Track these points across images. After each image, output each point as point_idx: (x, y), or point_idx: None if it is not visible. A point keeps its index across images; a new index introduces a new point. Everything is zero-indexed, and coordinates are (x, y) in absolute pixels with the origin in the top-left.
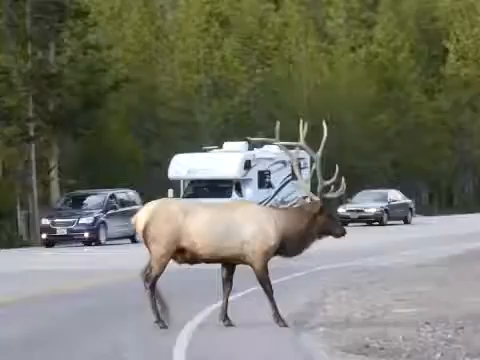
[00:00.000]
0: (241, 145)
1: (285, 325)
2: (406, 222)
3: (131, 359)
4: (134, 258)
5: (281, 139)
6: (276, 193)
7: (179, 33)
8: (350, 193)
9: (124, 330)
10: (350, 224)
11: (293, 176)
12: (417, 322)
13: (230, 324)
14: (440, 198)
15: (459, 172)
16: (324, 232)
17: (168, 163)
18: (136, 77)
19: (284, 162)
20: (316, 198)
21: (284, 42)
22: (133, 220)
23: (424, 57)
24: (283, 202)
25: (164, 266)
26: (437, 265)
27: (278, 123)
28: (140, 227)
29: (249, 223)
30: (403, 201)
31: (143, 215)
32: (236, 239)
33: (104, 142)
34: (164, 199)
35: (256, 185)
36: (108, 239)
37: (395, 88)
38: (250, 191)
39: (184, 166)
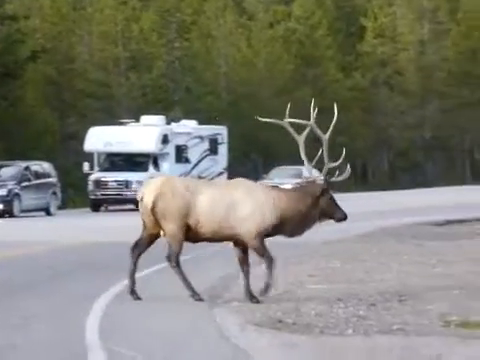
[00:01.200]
0: (158, 119)
1: (257, 301)
2: None
3: (42, 330)
4: (47, 230)
5: (196, 113)
6: (193, 168)
7: (97, 4)
8: (266, 169)
9: (36, 301)
10: None
11: (211, 152)
12: (330, 298)
13: (258, 301)
14: (355, 175)
15: (374, 150)
16: (326, 215)
17: (85, 136)
18: (53, 48)
19: (201, 137)
20: (320, 180)
21: (202, 17)
22: (139, 197)
23: (341, 34)
24: (200, 177)
25: (181, 241)
26: (351, 241)
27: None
28: (148, 205)
29: (248, 201)
30: (318, 177)
31: (150, 192)
32: (235, 217)
33: (20, 113)
34: (167, 176)
35: (173, 159)
36: (22, 211)
37: (313, 65)
38: (167, 165)
39: (101, 139)
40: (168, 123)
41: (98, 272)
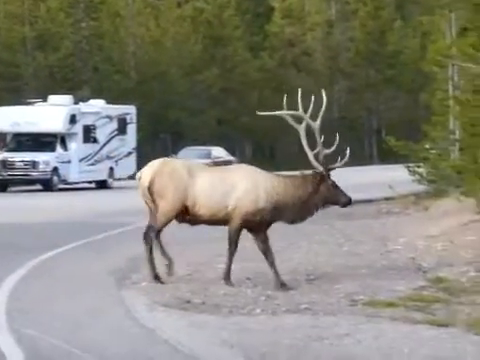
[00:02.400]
0: (66, 99)
1: (232, 285)
2: None
3: None
4: None
5: (104, 93)
6: (102, 148)
7: None
8: (176, 149)
9: None
10: None
11: (119, 131)
12: (238, 278)
13: (288, 289)
14: (263, 155)
15: (282, 130)
16: (328, 201)
17: None
18: None
19: (110, 117)
20: (320, 167)
21: None
22: (137, 176)
23: (250, 15)
24: (109, 157)
25: (169, 221)
26: None
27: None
28: (145, 184)
29: (244, 182)
30: (227, 158)
31: (148, 172)
32: (231, 198)
33: None
34: (166, 158)
35: (81, 139)
36: None
37: (221, 45)
38: (75, 145)
39: (7, 119)
40: (76, 103)
41: (5, 254)
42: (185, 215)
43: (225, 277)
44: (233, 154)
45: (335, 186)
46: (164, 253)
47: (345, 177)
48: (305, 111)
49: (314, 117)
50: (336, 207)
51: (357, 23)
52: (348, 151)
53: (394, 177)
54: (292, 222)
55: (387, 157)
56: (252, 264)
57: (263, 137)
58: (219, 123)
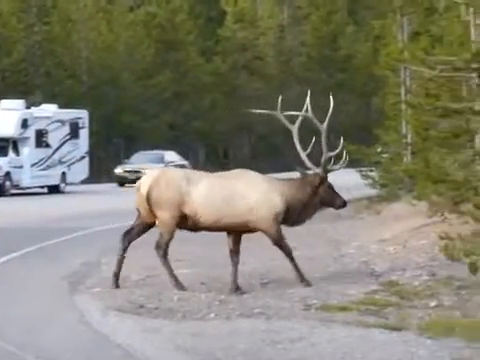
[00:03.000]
0: (18, 103)
1: (308, 284)
2: None
3: None
4: None
5: (56, 97)
6: (54, 152)
7: None
8: (128, 154)
9: None
10: (127, 185)
11: (72, 136)
12: (192, 283)
13: (242, 292)
14: (217, 159)
15: (235, 134)
16: (325, 203)
17: None
18: None
19: (62, 121)
20: (318, 170)
21: (63, 0)
22: (136, 185)
23: (202, 19)
24: (61, 162)
25: (172, 231)
26: None
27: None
28: (143, 193)
29: (253, 191)
30: (180, 162)
31: (146, 181)
32: (241, 207)
33: None
34: (166, 168)
35: (33, 144)
36: None
37: (173, 49)
38: (27, 150)
39: None
40: (28, 107)
41: None
42: (186, 222)
43: (300, 280)
44: (186, 158)
45: (332, 188)
46: (169, 269)
47: None
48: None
49: (264, 122)
50: None
51: (309, 27)
52: (346, 155)
53: (347, 181)
54: (292, 225)
55: (340, 161)
56: (205, 270)
57: (216, 141)
58: (172, 127)
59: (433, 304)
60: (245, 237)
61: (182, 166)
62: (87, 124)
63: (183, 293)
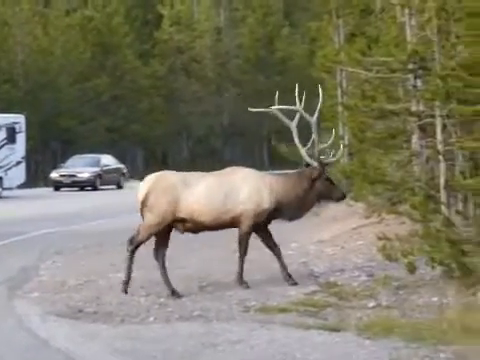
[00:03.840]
0: None
1: (246, 286)
2: (119, 187)
3: None
4: None
5: None
6: None
7: None
8: (66, 158)
9: None
10: (63, 189)
11: (8, 141)
12: (131, 286)
13: (295, 283)
14: (155, 162)
15: (174, 137)
16: (324, 196)
17: None
18: None
19: None
20: (314, 163)
21: None
22: (137, 193)
23: (138, 22)
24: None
25: (151, 235)
26: None
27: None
28: (140, 198)
29: (245, 186)
30: (116, 166)
31: (143, 186)
32: (234, 202)
33: None
34: (165, 171)
35: None
36: None
37: (110, 53)
38: None
39: None
40: None
41: None
42: (185, 224)
43: (238, 280)
44: (124, 162)
45: (330, 181)
46: (129, 268)
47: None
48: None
49: (199, 124)
50: None
51: (246, 30)
52: (341, 147)
53: None
54: (290, 219)
55: (278, 163)
56: (145, 272)
57: (154, 144)
58: (110, 130)
59: (372, 304)
60: (183, 241)
61: (118, 170)
62: (24, 129)
63: (122, 297)
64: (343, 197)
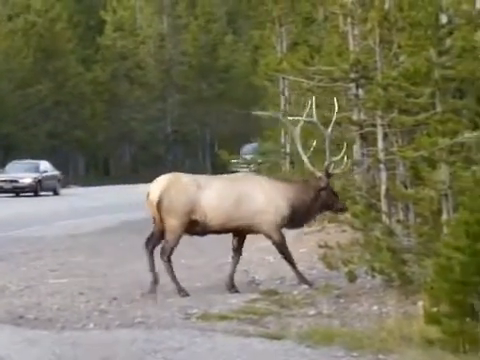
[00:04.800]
0: None
1: (310, 285)
2: (55, 193)
3: None
4: None
5: None
6: None
7: None
8: (6, 163)
9: None
10: (2, 194)
11: None
12: (72, 292)
13: (236, 291)
14: (97, 169)
15: (116, 143)
16: (327, 207)
17: None
18: None
19: None
20: (320, 174)
21: None
22: (146, 193)
23: (81, 28)
24: None
25: (179, 237)
26: (92, 235)
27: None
28: (154, 200)
29: (260, 194)
30: (53, 172)
31: (156, 188)
32: (247, 210)
33: None
34: (175, 173)
35: None
36: None
37: (53, 58)
38: None
39: None
40: None
41: None
42: (195, 227)
43: (301, 282)
44: (66, 167)
45: (334, 192)
46: (173, 276)
47: None
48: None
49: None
50: None
51: (189, 37)
52: (347, 159)
53: None
54: (292, 227)
55: (220, 171)
56: (85, 279)
57: (96, 150)
58: (52, 136)
59: (312, 313)
60: (126, 248)
61: (55, 176)
62: None
63: (63, 303)
64: (345, 209)
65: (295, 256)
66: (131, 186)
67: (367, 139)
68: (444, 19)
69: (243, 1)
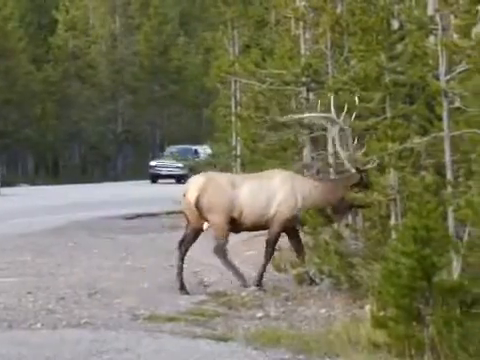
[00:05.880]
0: None
1: (262, 289)
2: None
3: None
4: None
5: None
6: None
7: None
8: None
9: None
10: None
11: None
12: (19, 292)
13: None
14: (47, 168)
15: (66, 143)
16: (355, 205)
17: None
18: None
19: None
20: (352, 169)
21: None
22: (183, 193)
23: (33, 27)
24: None
25: (227, 233)
26: (40, 235)
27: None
28: (192, 200)
29: (283, 189)
30: None
31: (193, 188)
32: (273, 205)
33: None
34: (209, 172)
35: None
36: None
37: (4, 57)
38: None
39: None
40: None
41: None
42: (231, 224)
43: (257, 282)
44: (16, 167)
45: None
46: (236, 271)
47: (129, 191)
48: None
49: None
50: (119, 220)
51: (141, 37)
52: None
53: (178, 191)
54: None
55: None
56: (32, 279)
57: (46, 150)
58: (1, 135)
59: (260, 315)
60: (74, 248)
61: None
62: None
63: (10, 302)
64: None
65: (244, 258)
66: (80, 186)
67: (317, 142)
68: (396, 24)
69: (196, 3)
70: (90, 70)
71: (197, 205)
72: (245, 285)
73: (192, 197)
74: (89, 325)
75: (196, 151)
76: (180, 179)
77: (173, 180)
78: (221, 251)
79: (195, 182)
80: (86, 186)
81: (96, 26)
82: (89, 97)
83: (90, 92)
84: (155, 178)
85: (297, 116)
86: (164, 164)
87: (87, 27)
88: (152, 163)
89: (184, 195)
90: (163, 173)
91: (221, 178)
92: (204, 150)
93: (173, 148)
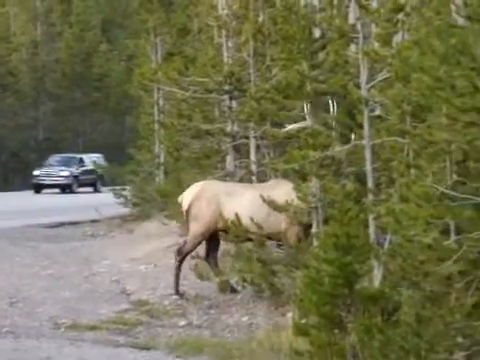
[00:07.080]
0: None
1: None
2: None
3: None
4: None
5: None
6: None
7: None
8: None
9: None
10: None
11: None
12: None
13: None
14: None
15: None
16: None
17: None
18: None
19: None
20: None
21: None
22: (179, 199)
23: None
24: None
25: (198, 244)
26: None
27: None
28: (185, 206)
29: (285, 200)
30: None
31: (188, 195)
32: (276, 217)
33: None
34: (209, 181)
35: None
36: None
37: None
38: None
39: None
40: None
41: None
42: (227, 235)
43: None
44: None
45: None
46: (177, 277)
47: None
48: None
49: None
50: (42, 229)
51: (63, 45)
52: None
53: (101, 199)
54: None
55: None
56: None
57: None
58: None
59: (182, 323)
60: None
61: None
62: None
63: None
64: None
65: (167, 266)
66: (1, 194)
67: (240, 151)
68: (317, 33)
69: (118, 10)
70: (11, 77)
71: (187, 212)
72: (179, 297)
73: (185, 205)
74: (10, 334)
75: (81, 160)
76: (65, 188)
77: (58, 190)
78: (180, 255)
79: (192, 190)
80: (7, 194)
81: (17, 33)
82: (10, 104)
83: (11, 100)
84: (38, 188)
85: (288, 128)
86: (48, 173)
87: (8, 34)
88: (35, 173)
89: (180, 202)
90: (47, 182)
91: (218, 187)
92: (90, 159)
93: (57, 157)
